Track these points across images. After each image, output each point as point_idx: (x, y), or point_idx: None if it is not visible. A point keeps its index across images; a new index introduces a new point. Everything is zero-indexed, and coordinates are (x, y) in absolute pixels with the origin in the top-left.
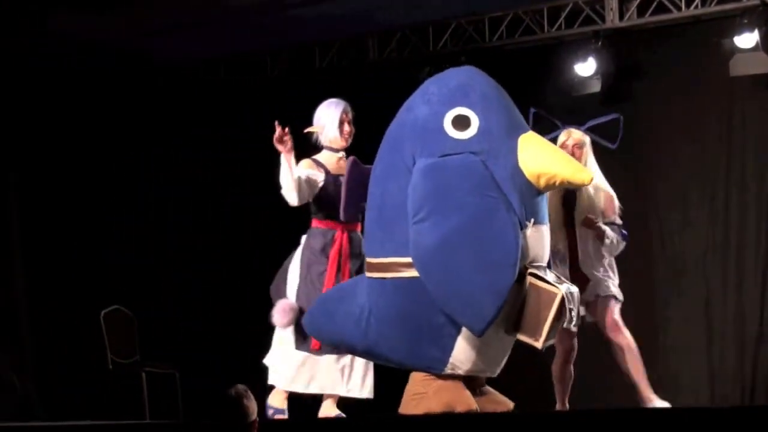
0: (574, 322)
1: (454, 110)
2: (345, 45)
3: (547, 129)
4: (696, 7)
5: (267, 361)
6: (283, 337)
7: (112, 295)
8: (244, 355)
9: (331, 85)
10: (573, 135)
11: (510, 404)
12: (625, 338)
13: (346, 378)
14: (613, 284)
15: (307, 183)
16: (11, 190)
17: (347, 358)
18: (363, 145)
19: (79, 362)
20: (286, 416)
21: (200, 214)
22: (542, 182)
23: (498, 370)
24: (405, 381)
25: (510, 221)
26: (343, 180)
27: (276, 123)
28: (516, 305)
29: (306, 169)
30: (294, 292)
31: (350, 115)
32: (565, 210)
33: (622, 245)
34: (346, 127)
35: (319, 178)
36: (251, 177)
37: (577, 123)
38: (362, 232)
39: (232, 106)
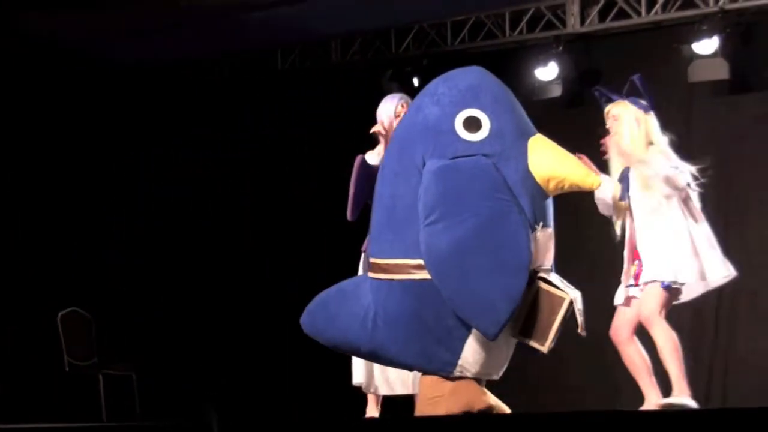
0: (582, 327)
1: (465, 111)
2: (307, 48)
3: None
4: (656, 13)
5: None
6: None
7: (70, 297)
8: (203, 357)
9: (293, 87)
10: (613, 107)
11: (506, 409)
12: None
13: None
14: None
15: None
16: None
17: None
18: (327, 145)
19: (36, 364)
20: None
21: (161, 216)
22: (551, 186)
23: (501, 373)
24: None
25: (522, 224)
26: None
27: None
28: (524, 309)
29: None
30: None
31: (407, 107)
32: None
33: None
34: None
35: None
36: (223, 180)
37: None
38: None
39: (195, 107)
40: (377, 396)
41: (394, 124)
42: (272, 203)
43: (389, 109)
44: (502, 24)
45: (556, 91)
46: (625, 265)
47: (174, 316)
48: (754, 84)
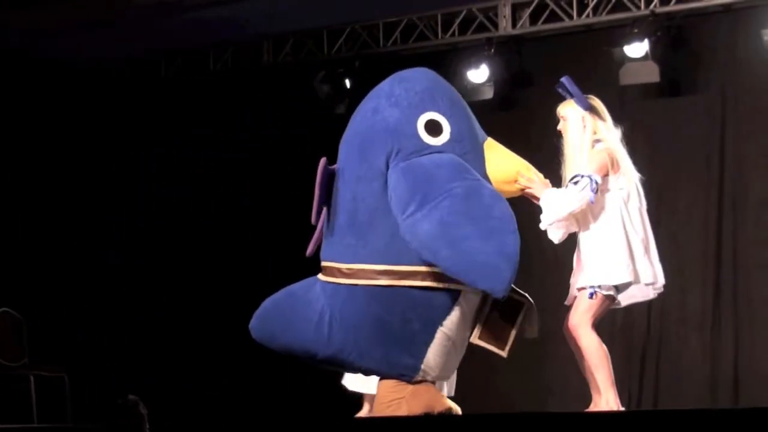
0: (536, 333)
1: (425, 115)
2: (240, 48)
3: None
4: (588, 15)
5: None
6: None
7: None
8: (135, 359)
9: (225, 88)
10: (560, 108)
11: (459, 410)
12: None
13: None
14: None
15: None
16: None
17: None
18: (258, 146)
19: None
20: None
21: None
22: (506, 188)
23: (450, 375)
24: None
25: (498, 197)
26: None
27: None
28: (484, 314)
29: None
30: None
31: None
32: None
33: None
34: None
35: None
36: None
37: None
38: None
39: (128, 108)
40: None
41: None
42: (201, 203)
43: None
44: (434, 26)
45: (488, 94)
46: (574, 267)
47: (108, 317)
48: (685, 87)
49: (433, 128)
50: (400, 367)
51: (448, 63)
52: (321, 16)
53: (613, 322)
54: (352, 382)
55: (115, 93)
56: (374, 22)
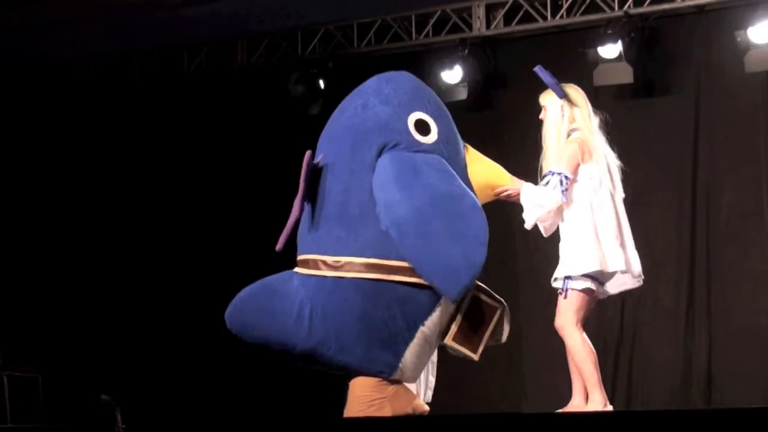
0: (504, 337)
1: (414, 114)
2: (214, 49)
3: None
4: (561, 17)
5: None
6: None
7: None
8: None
9: (199, 88)
10: (541, 98)
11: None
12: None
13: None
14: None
15: None
16: None
17: None
18: (233, 147)
19: None
20: None
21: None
22: (486, 194)
23: (418, 378)
24: None
25: (478, 206)
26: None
27: None
28: (459, 316)
29: None
30: None
31: None
32: None
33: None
34: None
35: None
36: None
37: None
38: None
39: (100, 109)
40: None
41: None
42: (174, 203)
43: None
44: (408, 27)
45: (462, 94)
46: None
47: (82, 318)
48: (658, 88)
49: (422, 127)
50: (380, 364)
51: (422, 63)
52: (296, 17)
53: (585, 321)
54: None
55: (88, 94)
56: (348, 22)
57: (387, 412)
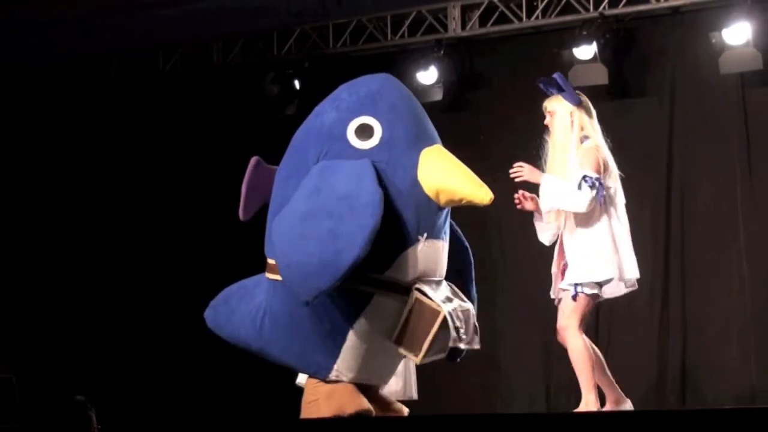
0: (466, 341)
1: (359, 119)
2: (189, 49)
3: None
4: (537, 18)
5: None
6: None
7: None
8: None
9: (174, 88)
10: (548, 103)
11: (405, 410)
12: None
13: None
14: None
15: None
16: None
17: None
18: (209, 147)
19: None
20: None
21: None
22: (442, 198)
23: (387, 380)
24: None
25: (371, 205)
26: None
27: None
28: (401, 317)
29: None
30: None
31: None
32: None
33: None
34: None
35: None
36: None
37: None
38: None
39: (76, 108)
40: None
41: None
42: (148, 203)
43: None
44: (383, 27)
45: (437, 95)
46: (555, 258)
47: (57, 317)
48: (633, 89)
49: (364, 132)
50: (315, 365)
51: (397, 64)
52: (271, 18)
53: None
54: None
55: (63, 94)
56: (324, 23)
57: (323, 412)
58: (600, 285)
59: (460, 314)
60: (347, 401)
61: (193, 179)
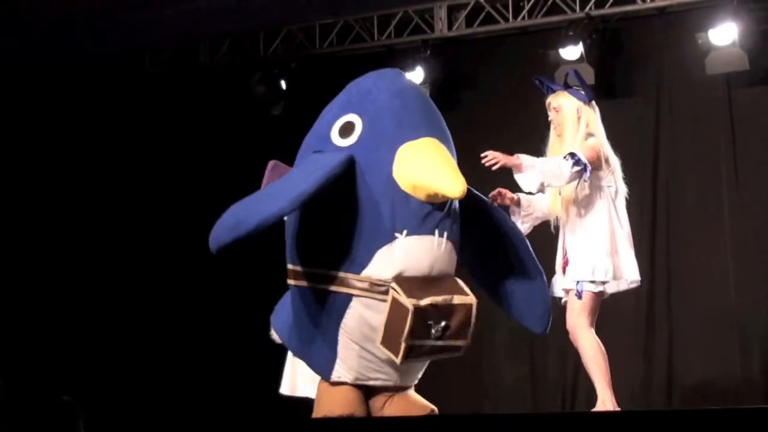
0: (448, 337)
1: (344, 117)
2: (176, 49)
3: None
4: (523, 18)
5: None
6: None
7: None
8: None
9: (161, 88)
10: (553, 99)
11: (429, 407)
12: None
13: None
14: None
15: None
16: None
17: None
18: (196, 147)
19: None
20: None
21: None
22: (420, 193)
23: (406, 380)
24: None
25: (306, 182)
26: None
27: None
28: (382, 317)
29: None
30: None
31: None
32: None
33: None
34: None
35: None
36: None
37: None
38: None
39: (63, 109)
40: None
41: None
42: (134, 204)
43: None
44: (370, 28)
45: None
46: (558, 259)
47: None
48: (620, 89)
49: (346, 130)
50: (319, 366)
51: (384, 64)
52: (258, 17)
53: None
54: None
55: (50, 94)
56: (310, 23)
57: (316, 412)
58: (603, 282)
59: (441, 310)
60: (334, 402)
61: (179, 179)
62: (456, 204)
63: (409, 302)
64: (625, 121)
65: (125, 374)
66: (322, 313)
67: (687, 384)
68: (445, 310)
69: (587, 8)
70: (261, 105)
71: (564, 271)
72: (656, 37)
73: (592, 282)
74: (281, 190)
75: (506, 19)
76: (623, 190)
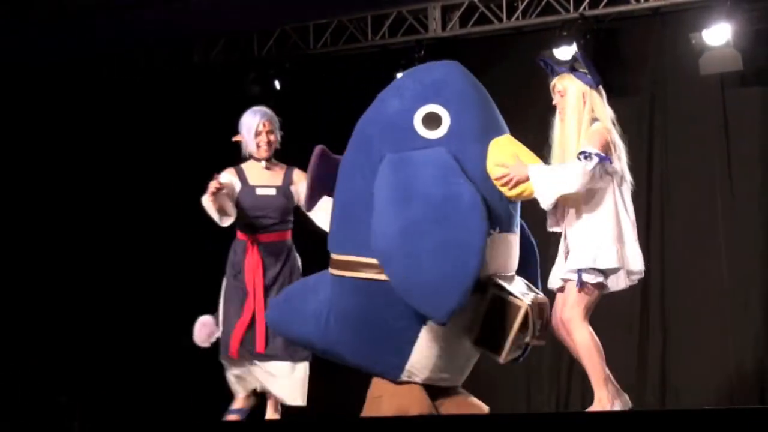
0: (538, 336)
1: (425, 107)
2: (170, 49)
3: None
4: (517, 18)
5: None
6: None
7: None
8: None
9: (155, 88)
10: (558, 81)
11: (484, 408)
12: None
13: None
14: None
15: (225, 194)
16: None
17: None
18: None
19: None
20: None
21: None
22: (505, 191)
23: (461, 379)
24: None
25: (476, 207)
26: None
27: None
28: (479, 316)
29: (225, 176)
30: (221, 304)
31: (270, 125)
32: None
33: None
34: (264, 138)
35: (236, 187)
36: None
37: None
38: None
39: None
40: (275, 399)
41: (253, 143)
42: (129, 203)
43: (250, 126)
44: (364, 28)
45: None
46: (561, 248)
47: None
48: (613, 89)
49: (432, 121)
50: (384, 365)
51: (378, 65)
52: (252, 18)
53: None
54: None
55: (43, 94)
56: (305, 23)
57: (385, 410)
58: (605, 274)
59: (537, 308)
60: (411, 402)
61: (172, 179)
62: None
63: (521, 300)
64: (619, 121)
65: (122, 375)
66: (403, 308)
67: (680, 384)
68: (541, 308)
69: (581, 8)
70: (255, 105)
71: (566, 260)
72: (650, 38)
73: (594, 271)
74: (464, 233)
75: (500, 20)
76: (629, 177)
